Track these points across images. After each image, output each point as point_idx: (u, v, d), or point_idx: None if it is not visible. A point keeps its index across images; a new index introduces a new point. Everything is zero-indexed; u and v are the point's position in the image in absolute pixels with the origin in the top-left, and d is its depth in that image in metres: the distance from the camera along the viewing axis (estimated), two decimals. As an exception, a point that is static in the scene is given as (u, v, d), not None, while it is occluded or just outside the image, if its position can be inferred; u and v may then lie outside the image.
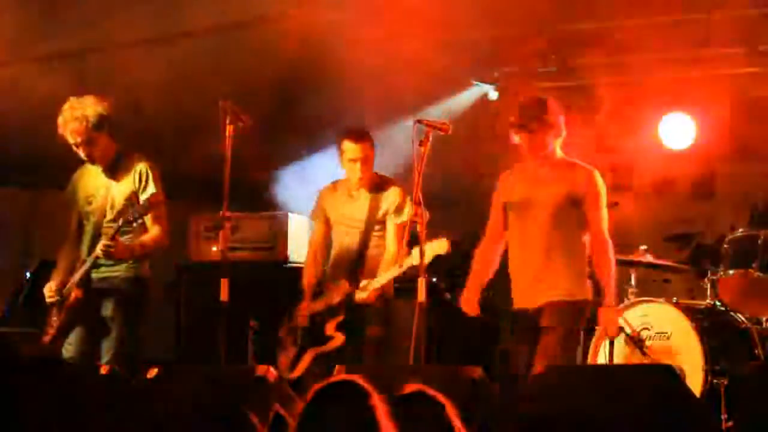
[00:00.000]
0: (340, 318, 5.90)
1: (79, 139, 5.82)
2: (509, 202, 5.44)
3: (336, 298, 5.95)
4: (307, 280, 6.16)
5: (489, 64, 8.38)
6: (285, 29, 7.05)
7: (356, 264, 6.02)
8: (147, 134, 7.29)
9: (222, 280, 5.41)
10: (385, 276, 5.84)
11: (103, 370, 4.68)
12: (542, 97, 5.51)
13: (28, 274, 7.78)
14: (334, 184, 6.25)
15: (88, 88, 6.64)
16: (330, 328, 5.92)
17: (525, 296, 5.31)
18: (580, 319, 5.28)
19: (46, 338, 5.83)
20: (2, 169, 7.75)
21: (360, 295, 5.86)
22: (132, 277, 5.84)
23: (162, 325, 7.89)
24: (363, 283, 5.89)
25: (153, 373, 4.62)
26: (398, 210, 5.99)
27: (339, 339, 5.88)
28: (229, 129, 5.35)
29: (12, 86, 7.02)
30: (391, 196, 6.04)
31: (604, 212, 5.28)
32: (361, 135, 6.02)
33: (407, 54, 7.35)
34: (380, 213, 6.03)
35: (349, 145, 5.98)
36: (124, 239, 5.71)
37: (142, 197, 5.70)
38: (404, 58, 7.37)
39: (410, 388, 2.97)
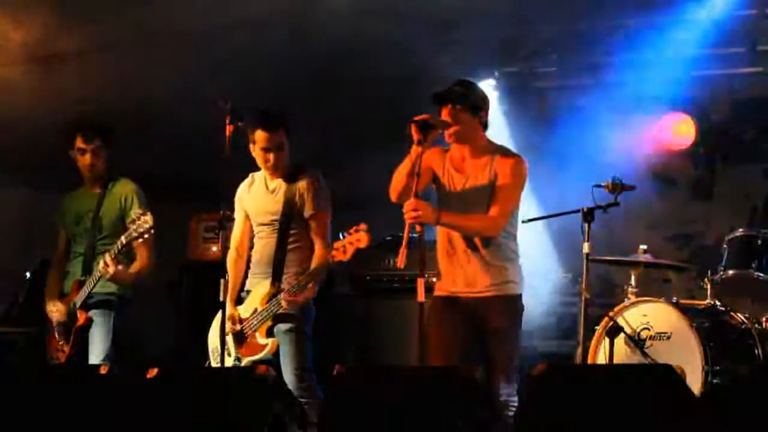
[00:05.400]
0: (270, 323, 5.62)
1: (91, 145, 6.08)
2: None
3: (262, 302, 5.67)
4: (232, 282, 5.73)
5: (489, 64, 8.38)
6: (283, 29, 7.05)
7: (277, 263, 5.69)
8: (147, 134, 7.31)
9: (222, 280, 5.40)
10: (311, 275, 5.56)
11: (102, 370, 4.67)
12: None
13: (28, 274, 7.78)
14: (252, 178, 5.92)
15: (87, 87, 6.67)
16: (262, 335, 5.64)
17: None
18: None
19: (62, 359, 5.95)
20: (2, 169, 7.75)
21: (287, 300, 5.53)
22: (121, 295, 6.05)
23: (162, 325, 7.91)
24: (288, 287, 5.58)
25: (153, 373, 4.62)
26: (312, 199, 5.69)
27: (273, 345, 5.60)
28: (228, 129, 5.35)
29: (12, 86, 7.02)
30: (301, 187, 5.72)
31: None
32: (275, 124, 5.66)
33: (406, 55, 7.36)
34: (297, 205, 5.71)
35: (261, 134, 5.63)
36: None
37: (130, 216, 5.82)
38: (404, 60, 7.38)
39: None
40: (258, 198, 5.85)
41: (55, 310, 6.06)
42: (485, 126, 5.35)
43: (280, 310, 5.62)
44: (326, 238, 5.68)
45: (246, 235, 5.91)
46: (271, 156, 5.70)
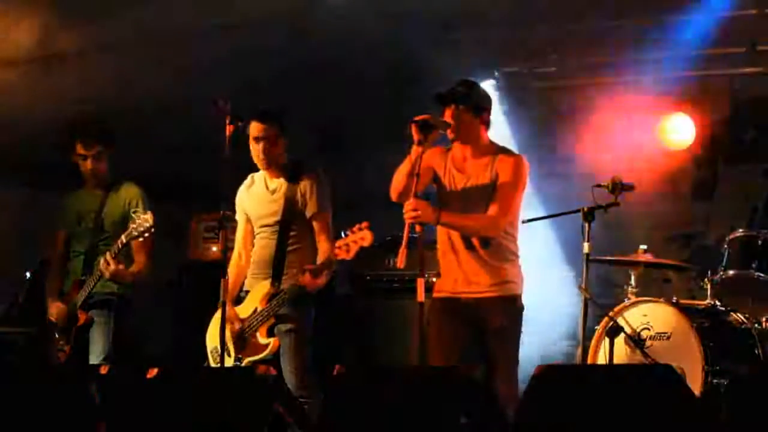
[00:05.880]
0: (271, 322, 5.63)
1: (91, 151, 6.06)
2: None
3: (262, 302, 5.68)
4: (231, 283, 5.68)
5: (489, 64, 8.37)
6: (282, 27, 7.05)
7: (277, 264, 5.70)
8: (147, 134, 7.31)
9: (222, 280, 5.40)
10: (324, 264, 5.56)
11: (102, 370, 4.67)
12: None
13: (28, 274, 7.78)
14: (252, 179, 5.92)
15: (88, 87, 6.66)
16: (263, 335, 5.64)
17: None
18: None
19: (62, 358, 5.95)
20: (2, 169, 7.75)
21: (308, 278, 5.51)
22: (121, 295, 6.07)
23: (162, 325, 7.91)
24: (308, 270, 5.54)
25: (153, 373, 4.62)
26: (314, 199, 5.70)
27: (274, 345, 5.61)
28: (228, 129, 5.35)
29: (12, 86, 7.02)
30: (303, 187, 5.72)
31: None
32: (267, 115, 5.67)
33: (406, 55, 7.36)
34: (299, 204, 5.71)
35: (253, 125, 5.64)
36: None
37: (135, 215, 5.81)
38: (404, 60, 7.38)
39: None
40: (258, 200, 5.85)
41: (57, 313, 6.05)
42: (488, 126, 5.36)
43: (281, 310, 5.62)
44: (330, 234, 5.68)
45: (249, 238, 5.90)
46: (260, 147, 5.68)
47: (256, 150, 5.71)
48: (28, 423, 4.50)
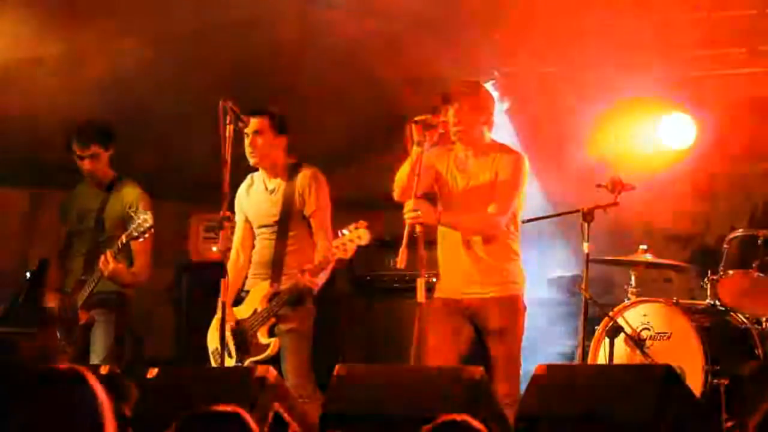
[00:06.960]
0: (272, 322, 5.63)
1: (87, 152, 6.00)
2: None
3: (262, 302, 5.67)
4: (231, 285, 5.59)
5: (489, 64, 8.37)
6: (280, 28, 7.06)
7: (277, 265, 5.69)
8: (147, 134, 7.30)
9: (222, 280, 5.40)
10: (321, 264, 5.52)
11: (103, 370, 4.67)
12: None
13: (28, 274, 7.78)
14: (251, 179, 5.90)
15: (87, 87, 6.65)
16: (263, 335, 5.63)
17: None
18: None
19: (65, 358, 5.94)
20: (2, 169, 7.75)
21: (309, 278, 5.48)
22: (123, 293, 6.07)
23: (162, 325, 7.91)
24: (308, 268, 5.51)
25: (153, 373, 4.62)
26: (312, 197, 5.68)
27: (275, 346, 5.60)
28: (228, 129, 5.35)
29: (12, 85, 7.02)
30: (300, 185, 5.71)
31: None
32: (256, 109, 5.65)
33: (406, 56, 7.36)
34: (296, 204, 5.70)
35: (251, 120, 5.58)
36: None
37: (136, 217, 5.80)
38: (403, 60, 7.37)
39: (446, 417, 2.91)
40: (257, 200, 5.85)
41: (55, 305, 6.04)
42: (490, 126, 5.36)
43: (282, 311, 5.62)
44: (329, 233, 5.67)
45: (248, 238, 5.89)
46: (248, 140, 5.66)
47: (245, 143, 5.69)
48: (27, 423, 4.50)
